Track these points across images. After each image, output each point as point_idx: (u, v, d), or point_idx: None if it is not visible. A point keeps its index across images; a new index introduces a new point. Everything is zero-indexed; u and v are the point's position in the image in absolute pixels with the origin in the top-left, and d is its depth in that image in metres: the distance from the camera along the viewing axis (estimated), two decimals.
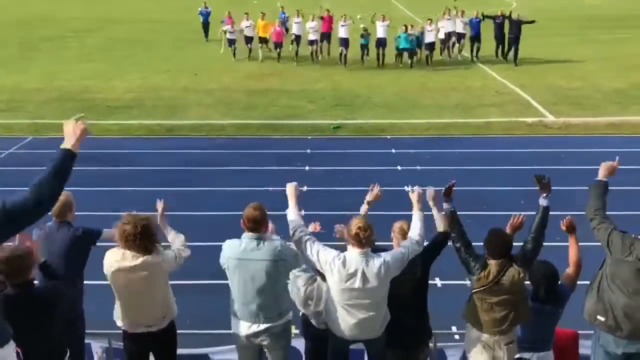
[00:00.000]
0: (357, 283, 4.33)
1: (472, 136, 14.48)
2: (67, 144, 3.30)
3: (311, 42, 22.24)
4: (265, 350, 4.73)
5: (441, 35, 22.64)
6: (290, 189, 4.80)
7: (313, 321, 4.91)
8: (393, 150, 13.42)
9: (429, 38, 21.85)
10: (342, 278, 4.36)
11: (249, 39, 22.76)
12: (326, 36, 22.55)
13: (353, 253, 4.41)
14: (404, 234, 4.78)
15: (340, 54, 22.02)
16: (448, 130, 14.91)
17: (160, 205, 5.08)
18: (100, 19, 35.76)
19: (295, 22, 22.41)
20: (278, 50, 22.53)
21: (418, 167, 12.29)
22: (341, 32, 21.69)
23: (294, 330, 5.06)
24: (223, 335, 5.22)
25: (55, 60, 23.71)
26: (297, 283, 4.91)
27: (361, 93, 18.42)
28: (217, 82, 19.43)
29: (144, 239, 4.38)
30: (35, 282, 4.03)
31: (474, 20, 22.47)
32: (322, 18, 22.37)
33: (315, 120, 15.68)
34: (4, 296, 3.85)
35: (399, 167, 12.34)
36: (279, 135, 14.69)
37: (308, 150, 13.45)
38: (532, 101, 17.39)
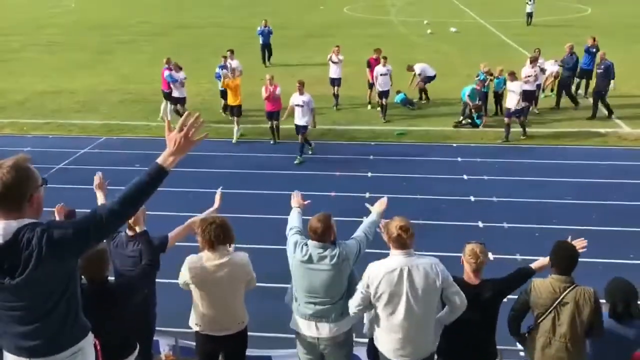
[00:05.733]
0: (405, 284, 4.16)
1: (542, 146, 14.05)
2: (165, 160, 2.95)
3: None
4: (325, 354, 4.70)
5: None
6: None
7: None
8: (459, 159, 13.20)
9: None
10: (388, 281, 4.19)
11: None
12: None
13: (396, 255, 4.26)
14: (476, 258, 4.52)
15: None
16: (518, 139, 14.53)
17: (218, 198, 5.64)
18: (169, 24, 36.79)
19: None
20: None
21: (485, 177, 12.05)
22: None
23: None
24: (285, 339, 5.25)
25: (128, 64, 24.61)
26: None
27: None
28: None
29: (226, 237, 4.57)
30: (111, 278, 4.18)
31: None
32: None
33: (380, 127, 15.62)
34: (82, 291, 4.02)
35: (464, 177, 12.13)
36: (343, 141, 14.70)
37: (371, 157, 13.41)
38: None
